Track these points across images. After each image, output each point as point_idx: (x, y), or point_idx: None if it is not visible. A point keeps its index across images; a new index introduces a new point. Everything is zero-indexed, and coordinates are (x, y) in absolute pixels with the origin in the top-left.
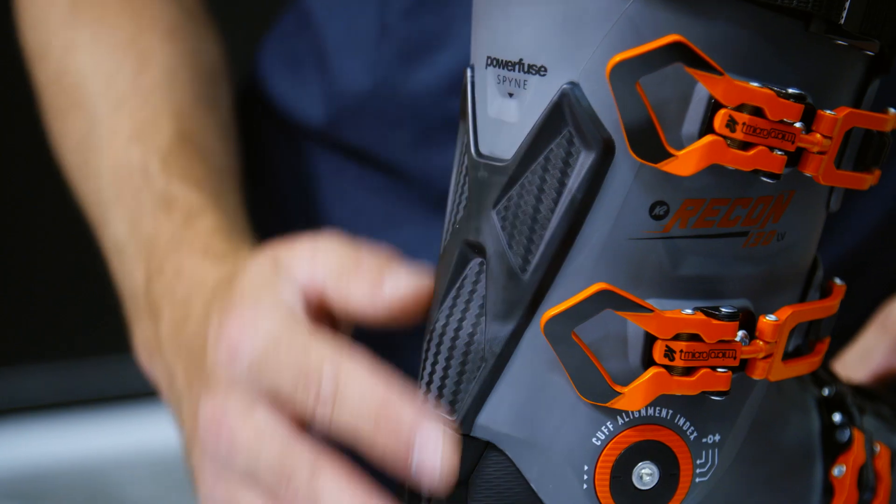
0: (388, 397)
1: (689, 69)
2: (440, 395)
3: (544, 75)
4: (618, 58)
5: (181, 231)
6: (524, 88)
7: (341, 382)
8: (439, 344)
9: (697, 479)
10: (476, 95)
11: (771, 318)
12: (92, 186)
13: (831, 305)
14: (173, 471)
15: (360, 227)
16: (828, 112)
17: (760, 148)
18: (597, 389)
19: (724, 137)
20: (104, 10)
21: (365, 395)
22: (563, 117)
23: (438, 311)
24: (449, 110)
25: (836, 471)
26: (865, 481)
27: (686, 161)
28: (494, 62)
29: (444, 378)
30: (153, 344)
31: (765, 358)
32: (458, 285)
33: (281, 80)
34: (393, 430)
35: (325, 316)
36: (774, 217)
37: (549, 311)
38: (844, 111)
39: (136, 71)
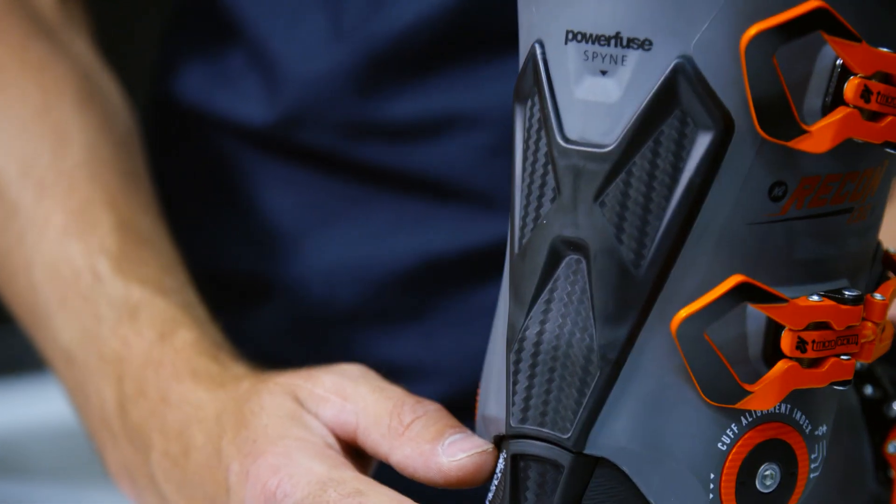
0: None
1: (829, 37)
2: (544, 413)
3: (649, 49)
4: (755, 28)
5: (158, 349)
6: (622, 65)
7: None
8: (535, 354)
9: (812, 475)
10: (553, 74)
11: (878, 297)
12: (22, 283)
13: None
14: (80, 441)
15: (311, 222)
16: None
17: (891, 118)
18: (725, 390)
19: (858, 109)
20: (3, 73)
21: None
22: (677, 95)
23: (527, 318)
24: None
25: (892, 447)
26: None
27: (821, 137)
28: (579, 36)
29: (546, 392)
30: (139, 473)
31: (873, 340)
32: (549, 287)
33: (212, 89)
34: None
35: (353, 455)
36: (872, 190)
37: (682, 312)
38: None
39: (54, 150)
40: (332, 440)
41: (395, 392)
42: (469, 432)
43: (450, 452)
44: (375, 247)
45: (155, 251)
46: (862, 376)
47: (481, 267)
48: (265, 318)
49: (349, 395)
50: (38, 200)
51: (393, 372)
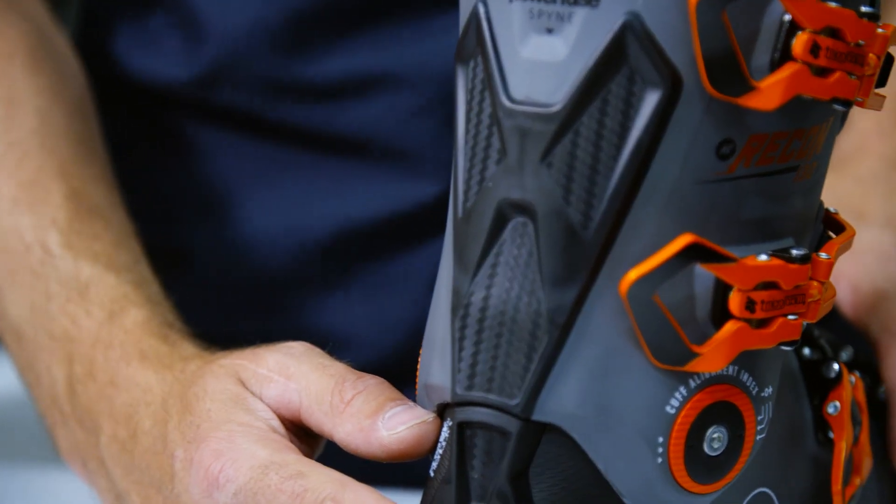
0: None
1: None
2: (491, 379)
3: (596, 6)
4: None
5: (107, 330)
6: (569, 22)
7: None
8: (481, 320)
9: (758, 437)
10: (496, 33)
11: (823, 255)
12: None
13: (852, 236)
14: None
15: (232, 188)
16: (879, 30)
17: (839, 74)
18: (674, 353)
19: (807, 64)
20: None
21: None
22: (625, 52)
23: (472, 283)
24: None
25: (831, 408)
26: (853, 414)
27: (770, 93)
28: None
29: (493, 358)
30: (89, 455)
31: (818, 300)
32: (495, 251)
33: (134, 50)
34: None
35: (299, 433)
36: (817, 147)
37: (632, 273)
38: (890, 27)
39: (5, 117)
40: (276, 423)
41: (337, 369)
42: (411, 404)
43: (390, 426)
44: (298, 212)
45: (107, 224)
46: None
47: (404, 232)
48: (187, 287)
49: (292, 373)
50: None
51: (319, 343)
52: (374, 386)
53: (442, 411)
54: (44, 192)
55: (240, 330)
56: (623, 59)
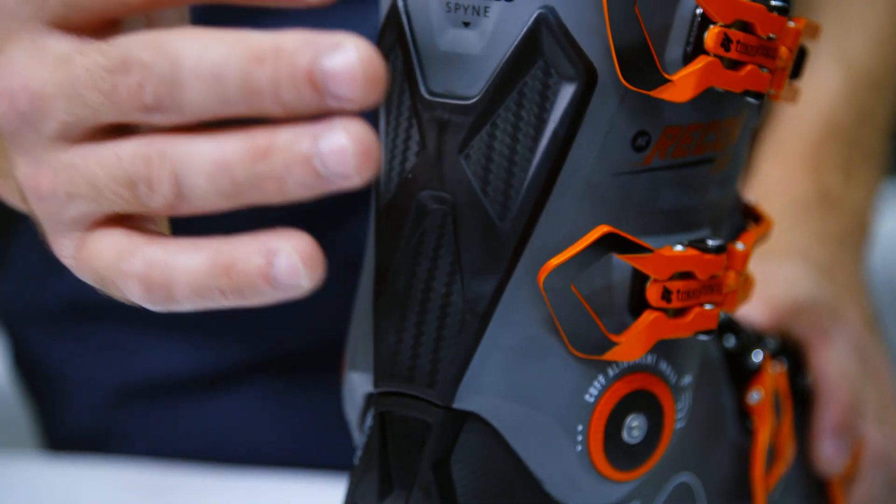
0: (257, 39)
1: None
2: (412, 368)
3: (511, 0)
4: None
5: None
6: (485, 16)
7: (173, 44)
8: (405, 309)
9: (677, 425)
10: (415, 27)
11: (739, 246)
12: None
13: (770, 227)
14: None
15: None
16: (790, 24)
17: (750, 67)
18: (591, 342)
19: (719, 57)
20: None
21: (220, 44)
22: (539, 46)
23: (396, 274)
24: None
25: (753, 397)
26: (775, 403)
27: (683, 86)
28: None
29: (414, 348)
30: None
31: (735, 290)
32: (416, 241)
33: None
34: (279, 64)
35: None
36: (732, 139)
37: (550, 263)
38: (802, 22)
39: None
40: None
41: None
42: None
43: None
44: None
45: None
46: (723, 327)
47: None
48: None
49: None
50: None
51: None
52: None
53: (368, 401)
54: None
55: None
56: (538, 53)
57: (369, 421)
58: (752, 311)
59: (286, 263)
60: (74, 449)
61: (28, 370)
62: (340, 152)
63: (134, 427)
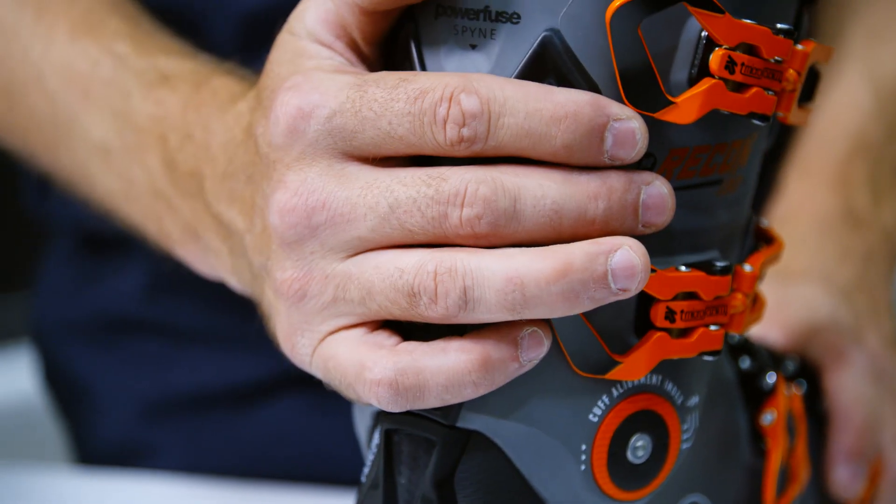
0: (560, 98)
1: (693, 9)
2: None
3: (517, 23)
4: (620, 0)
5: (196, 96)
6: (492, 39)
7: (491, 92)
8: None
9: (683, 446)
10: (424, 49)
11: (747, 267)
12: (35, 98)
13: (781, 249)
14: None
15: None
16: (799, 47)
17: (756, 89)
18: (595, 361)
19: (723, 80)
20: None
21: (529, 99)
22: (545, 68)
23: None
24: None
25: (767, 418)
26: (788, 425)
27: (687, 108)
28: (449, 11)
29: None
30: (198, 221)
31: (742, 311)
32: None
33: None
34: (576, 124)
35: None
36: (742, 162)
37: None
38: (811, 45)
39: None
40: (342, 45)
41: None
42: None
43: None
44: None
45: (169, 40)
46: (739, 349)
47: None
48: None
49: None
50: (39, 18)
51: None
52: None
53: (376, 418)
54: (99, 20)
55: None
56: (544, 75)
57: (377, 438)
58: (771, 332)
59: (528, 342)
60: (106, 463)
61: (60, 385)
62: (630, 268)
63: (165, 441)
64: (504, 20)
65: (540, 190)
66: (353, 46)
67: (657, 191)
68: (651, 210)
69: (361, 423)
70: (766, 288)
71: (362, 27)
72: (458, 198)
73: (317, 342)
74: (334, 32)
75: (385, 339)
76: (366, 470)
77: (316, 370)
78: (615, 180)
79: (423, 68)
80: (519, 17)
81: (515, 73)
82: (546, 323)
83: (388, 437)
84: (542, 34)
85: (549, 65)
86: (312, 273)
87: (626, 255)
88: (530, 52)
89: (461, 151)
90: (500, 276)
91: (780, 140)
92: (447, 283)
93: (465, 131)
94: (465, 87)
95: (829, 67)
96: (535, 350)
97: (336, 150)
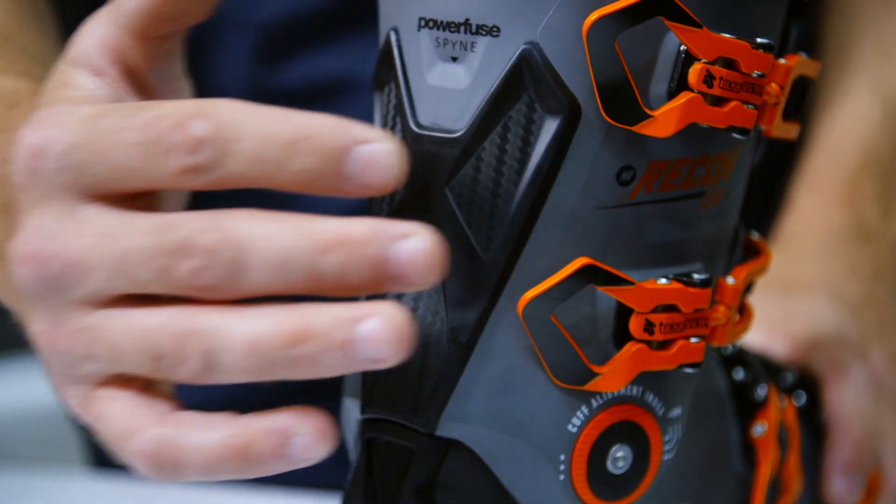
0: (298, 121)
1: (670, 23)
2: (396, 395)
3: (497, 36)
4: (596, 14)
5: (6, 116)
6: (472, 51)
7: (224, 116)
8: None
9: (665, 457)
10: (406, 61)
11: (730, 280)
12: None
13: (768, 261)
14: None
15: None
16: (781, 61)
17: (735, 103)
18: (573, 372)
19: (702, 94)
20: None
21: (264, 123)
22: (523, 81)
23: None
24: None
25: (757, 430)
26: (780, 437)
27: (665, 121)
28: (431, 23)
29: (399, 375)
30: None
31: (725, 323)
32: None
33: None
34: (314, 147)
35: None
36: (725, 174)
37: (528, 293)
38: (794, 59)
39: None
40: (113, 72)
41: None
42: None
43: None
44: None
45: (32, 58)
46: (733, 360)
47: None
48: None
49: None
50: None
51: None
52: None
53: (360, 425)
54: None
55: None
56: (522, 87)
57: (360, 445)
58: (776, 344)
59: (301, 443)
60: (122, 466)
61: None
62: (375, 339)
63: None
64: (484, 33)
65: (268, 240)
66: (128, 73)
67: (413, 246)
68: (405, 266)
69: (347, 431)
70: (773, 300)
71: (139, 51)
72: (183, 249)
73: (85, 395)
74: (109, 58)
75: (158, 403)
76: (349, 476)
77: (88, 423)
78: (357, 231)
79: (406, 80)
80: (499, 30)
81: (494, 86)
82: (333, 427)
83: (367, 445)
84: (522, 47)
85: (527, 77)
86: (62, 327)
87: (375, 325)
88: (509, 65)
89: (195, 183)
90: (243, 340)
91: (788, 155)
92: (188, 347)
93: (197, 158)
94: (197, 112)
95: (837, 82)
96: (307, 453)
97: (74, 190)
